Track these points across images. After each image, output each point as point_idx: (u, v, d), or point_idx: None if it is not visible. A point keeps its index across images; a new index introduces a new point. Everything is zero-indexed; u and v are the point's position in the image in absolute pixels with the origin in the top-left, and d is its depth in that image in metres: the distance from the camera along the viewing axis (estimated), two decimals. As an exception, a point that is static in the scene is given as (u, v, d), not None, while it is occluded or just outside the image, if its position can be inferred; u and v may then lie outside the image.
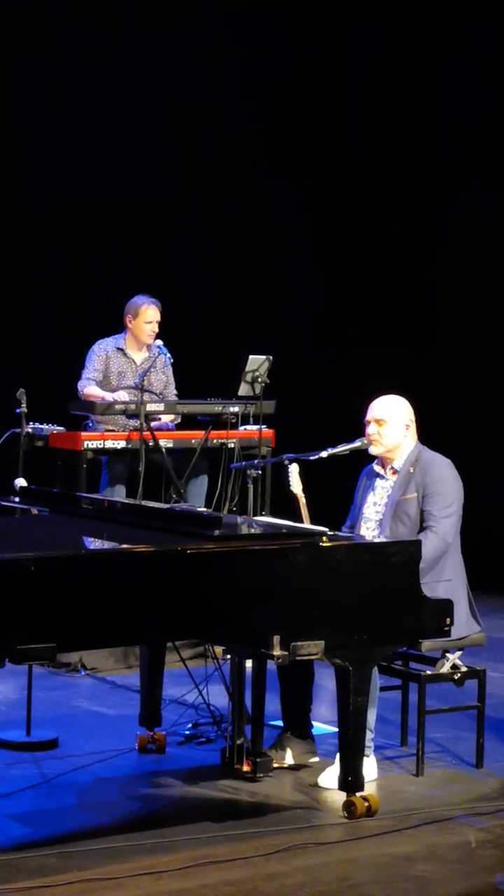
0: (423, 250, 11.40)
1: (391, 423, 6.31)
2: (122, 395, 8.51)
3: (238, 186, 11.15)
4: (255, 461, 8.02)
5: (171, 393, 8.89)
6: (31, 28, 10.22)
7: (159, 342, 8.74)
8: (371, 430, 6.34)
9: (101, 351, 8.76)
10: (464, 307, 11.27)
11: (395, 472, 6.37)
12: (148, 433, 8.28)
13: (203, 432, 8.61)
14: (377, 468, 6.45)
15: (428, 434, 6.54)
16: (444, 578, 6.19)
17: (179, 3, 10.85)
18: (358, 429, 6.45)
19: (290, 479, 6.42)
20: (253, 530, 5.89)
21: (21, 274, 10.34)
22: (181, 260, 10.93)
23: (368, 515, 6.41)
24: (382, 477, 6.42)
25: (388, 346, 11.14)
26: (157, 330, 8.77)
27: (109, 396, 8.49)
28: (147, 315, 8.74)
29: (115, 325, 8.87)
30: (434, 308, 11.39)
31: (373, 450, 6.36)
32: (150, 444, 8.32)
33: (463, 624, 6.19)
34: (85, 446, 8.29)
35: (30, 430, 8.00)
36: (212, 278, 11.08)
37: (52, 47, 10.32)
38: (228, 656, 6.36)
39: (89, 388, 8.62)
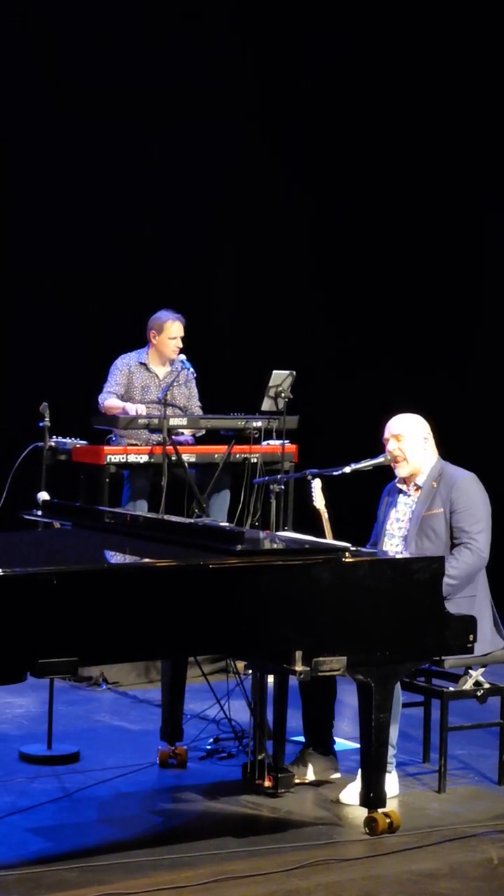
0: (455, 270, 11.37)
1: (409, 437, 6.32)
2: (141, 409, 8.51)
3: (266, 206, 11.15)
4: (278, 476, 8.01)
5: (195, 406, 8.90)
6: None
7: (182, 357, 8.74)
8: (391, 446, 6.34)
9: (124, 365, 8.76)
10: (494, 331, 11.26)
11: (417, 487, 6.36)
12: (171, 448, 8.28)
13: (226, 447, 8.61)
14: (399, 484, 6.45)
15: (451, 452, 6.53)
16: (469, 594, 6.18)
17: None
18: (381, 444, 6.44)
19: (313, 494, 6.42)
20: (275, 545, 5.88)
21: (45, 288, 10.37)
22: (208, 276, 10.93)
23: (391, 531, 6.41)
24: (405, 493, 6.41)
25: (412, 363, 11.13)
26: (181, 345, 8.77)
27: (130, 408, 8.50)
28: (172, 331, 8.74)
29: (139, 340, 8.88)
30: (463, 327, 11.36)
31: (400, 471, 6.35)
32: (173, 458, 8.32)
33: (487, 640, 6.18)
34: (108, 460, 8.30)
35: (53, 444, 8.00)
36: (238, 294, 11.08)
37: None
38: (250, 671, 6.35)
39: (110, 400, 8.63)
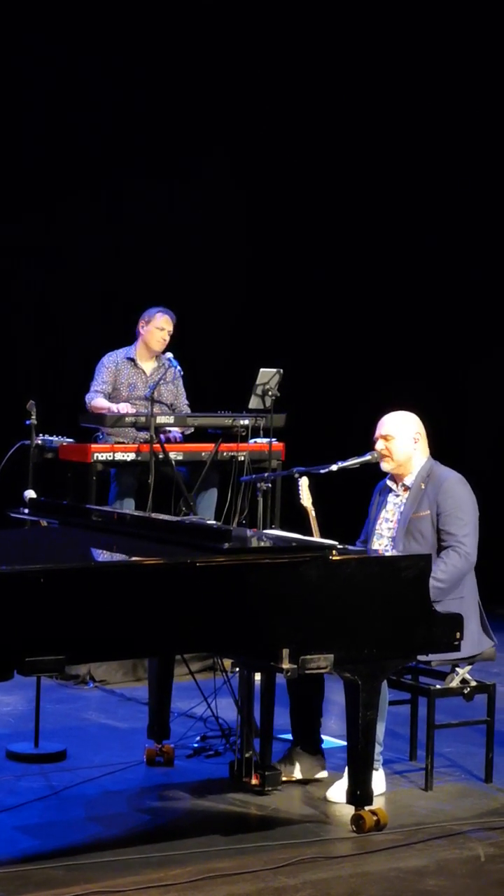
0: (450, 267, 11.40)
1: (399, 437, 6.32)
2: (128, 408, 8.51)
3: (257, 203, 11.16)
4: (265, 474, 8.01)
5: (182, 404, 8.90)
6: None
7: (169, 354, 8.75)
8: (379, 446, 6.35)
9: (111, 363, 8.76)
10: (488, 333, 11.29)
11: (406, 488, 6.37)
12: (158, 445, 8.28)
13: (213, 445, 8.61)
14: (390, 483, 6.45)
15: (440, 454, 6.55)
16: (457, 596, 6.18)
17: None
18: (368, 442, 6.45)
19: (300, 492, 6.42)
20: (263, 543, 5.88)
21: (33, 286, 10.36)
22: (200, 274, 10.93)
23: (380, 532, 6.41)
24: (394, 493, 6.41)
25: (401, 362, 11.14)
26: (167, 339, 8.77)
27: (115, 408, 8.50)
28: (160, 322, 8.75)
29: (128, 338, 8.87)
30: (457, 329, 11.39)
31: (384, 466, 6.36)
32: (160, 456, 8.32)
33: (475, 641, 6.18)
34: (95, 458, 8.29)
35: (39, 442, 8.00)
36: (227, 292, 11.07)
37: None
38: (237, 669, 6.35)
39: (97, 400, 8.63)
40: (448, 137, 11.30)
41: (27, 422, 7.44)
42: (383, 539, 6.37)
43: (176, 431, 8.68)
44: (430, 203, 11.38)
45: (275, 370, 8.52)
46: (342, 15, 11.20)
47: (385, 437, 6.34)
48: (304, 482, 6.43)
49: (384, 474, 6.46)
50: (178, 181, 10.86)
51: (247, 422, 8.64)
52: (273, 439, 8.62)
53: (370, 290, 11.48)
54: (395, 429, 6.34)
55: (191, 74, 10.81)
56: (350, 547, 5.83)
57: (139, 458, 8.39)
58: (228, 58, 10.95)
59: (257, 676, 6.18)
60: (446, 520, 6.22)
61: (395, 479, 6.42)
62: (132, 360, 8.78)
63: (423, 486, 6.31)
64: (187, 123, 10.87)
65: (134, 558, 5.33)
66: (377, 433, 6.38)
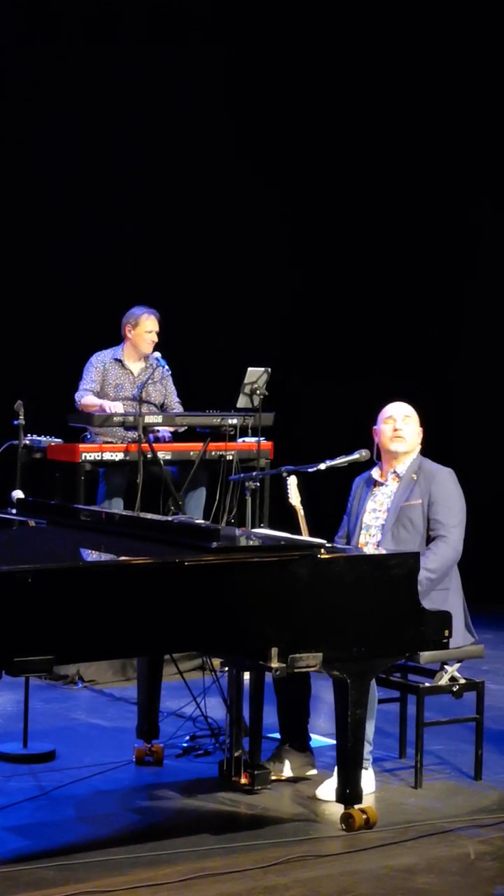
0: (438, 270, 11.41)
1: (413, 419, 6.42)
2: (118, 407, 8.51)
3: (247, 202, 11.15)
4: (254, 473, 8.00)
5: (174, 402, 8.90)
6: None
7: (157, 354, 8.74)
8: (399, 424, 6.36)
9: (99, 363, 8.76)
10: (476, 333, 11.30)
11: (396, 476, 6.39)
12: (146, 445, 8.27)
13: (202, 444, 8.61)
14: (375, 475, 6.46)
15: (429, 454, 6.57)
16: (443, 588, 6.20)
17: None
18: (357, 441, 6.45)
19: (289, 491, 6.42)
20: (251, 542, 5.88)
21: (21, 284, 10.35)
22: (185, 273, 10.93)
23: (369, 522, 6.42)
24: (382, 483, 6.43)
25: (389, 362, 11.15)
26: (156, 340, 8.78)
27: (107, 405, 8.49)
28: (147, 325, 8.75)
29: (115, 337, 8.87)
30: (444, 329, 11.40)
31: (396, 446, 6.36)
32: (149, 456, 8.31)
33: (460, 634, 6.20)
34: (83, 458, 8.29)
35: (28, 442, 8.00)
36: (215, 290, 11.07)
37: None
38: (226, 668, 6.35)
39: (87, 397, 8.63)
40: (437, 136, 11.31)
41: (15, 422, 7.44)
42: (372, 529, 6.38)
43: (165, 430, 8.68)
44: (423, 202, 11.37)
45: (263, 369, 8.53)
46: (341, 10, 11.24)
47: (406, 417, 6.39)
48: (292, 481, 6.43)
49: (366, 468, 6.47)
50: (170, 181, 10.84)
51: (235, 421, 8.64)
52: (261, 438, 8.63)
53: (358, 290, 11.49)
54: (411, 411, 6.43)
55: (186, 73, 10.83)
56: (338, 545, 5.83)
57: (128, 458, 8.38)
58: (226, 57, 10.96)
59: (246, 675, 6.18)
60: (436, 508, 6.26)
61: (383, 470, 6.44)
62: (119, 360, 8.78)
63: (414, 477, 6.35)
64: (180, 122, 10.89)
65: (122, 558, 5.32)
66: (393, 413, 6.39)
